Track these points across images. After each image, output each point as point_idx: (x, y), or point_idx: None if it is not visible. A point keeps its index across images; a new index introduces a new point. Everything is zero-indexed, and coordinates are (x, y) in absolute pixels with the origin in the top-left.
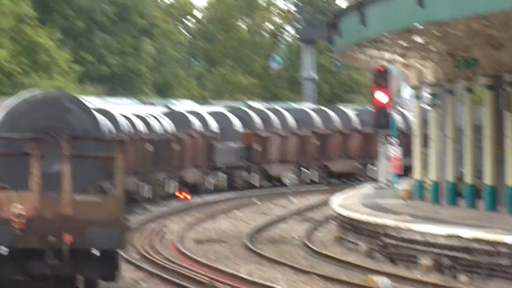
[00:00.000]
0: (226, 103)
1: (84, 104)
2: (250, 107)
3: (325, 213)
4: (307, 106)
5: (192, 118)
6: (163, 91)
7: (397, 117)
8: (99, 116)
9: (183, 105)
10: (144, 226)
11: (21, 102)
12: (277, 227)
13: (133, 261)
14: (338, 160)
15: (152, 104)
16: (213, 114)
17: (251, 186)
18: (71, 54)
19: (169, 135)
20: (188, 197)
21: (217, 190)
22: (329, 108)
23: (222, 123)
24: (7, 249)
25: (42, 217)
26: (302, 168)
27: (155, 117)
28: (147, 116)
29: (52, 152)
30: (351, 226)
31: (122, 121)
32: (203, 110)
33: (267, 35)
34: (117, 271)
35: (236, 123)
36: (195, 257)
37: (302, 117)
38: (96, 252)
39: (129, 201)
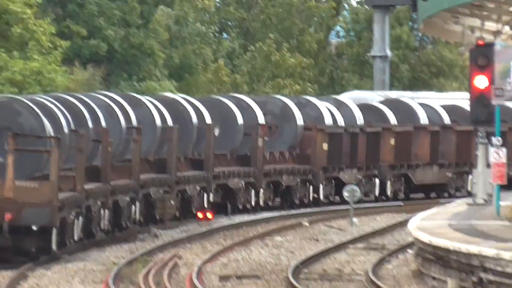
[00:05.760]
0: None
1: (32, 108)
2: None
3: None
4: None
5: None
6: (181, 74)
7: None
8: (45, 117)
9: None
10: None
11: None
12: None
13: None
14: None
15: None
16: None
17: None
18: (54, 25)
19: None
20: None
21: None
22: None
23: None
24: None
25: None
26: None
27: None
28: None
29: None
30: (434, 257)
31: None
32: None
33: None
34: (51, 245)
35: None
36: None
37: None
38: (34, 227)
39: None
